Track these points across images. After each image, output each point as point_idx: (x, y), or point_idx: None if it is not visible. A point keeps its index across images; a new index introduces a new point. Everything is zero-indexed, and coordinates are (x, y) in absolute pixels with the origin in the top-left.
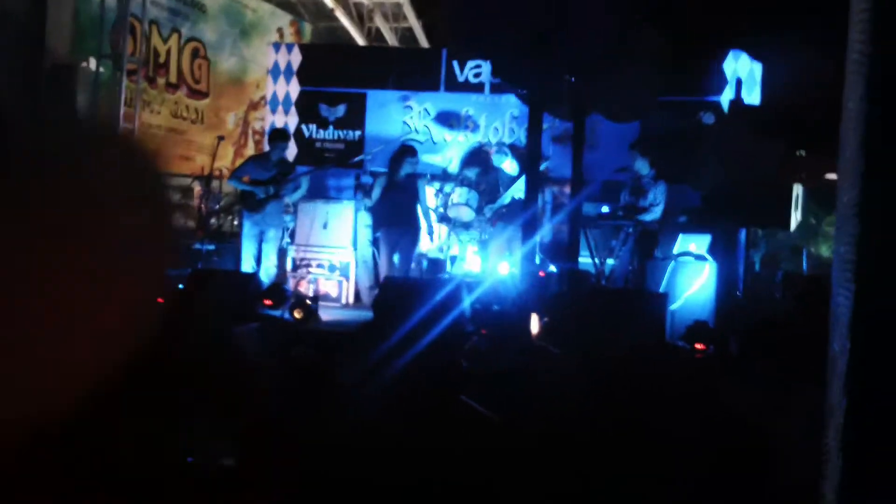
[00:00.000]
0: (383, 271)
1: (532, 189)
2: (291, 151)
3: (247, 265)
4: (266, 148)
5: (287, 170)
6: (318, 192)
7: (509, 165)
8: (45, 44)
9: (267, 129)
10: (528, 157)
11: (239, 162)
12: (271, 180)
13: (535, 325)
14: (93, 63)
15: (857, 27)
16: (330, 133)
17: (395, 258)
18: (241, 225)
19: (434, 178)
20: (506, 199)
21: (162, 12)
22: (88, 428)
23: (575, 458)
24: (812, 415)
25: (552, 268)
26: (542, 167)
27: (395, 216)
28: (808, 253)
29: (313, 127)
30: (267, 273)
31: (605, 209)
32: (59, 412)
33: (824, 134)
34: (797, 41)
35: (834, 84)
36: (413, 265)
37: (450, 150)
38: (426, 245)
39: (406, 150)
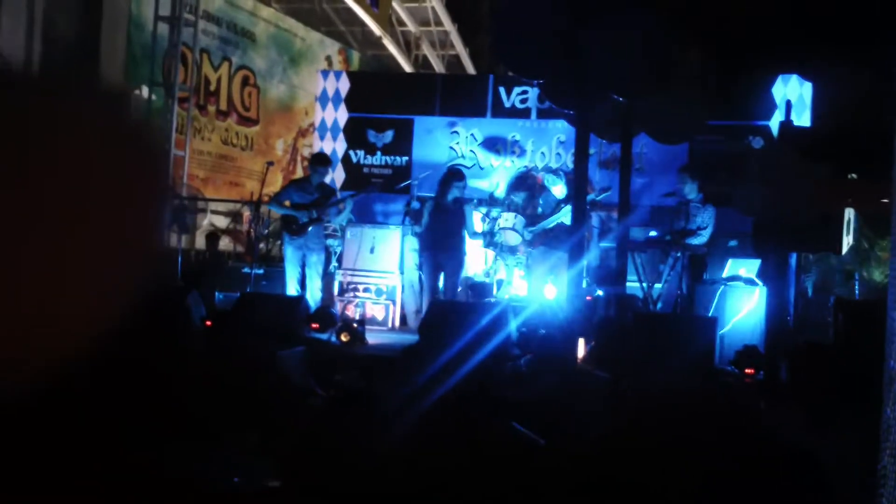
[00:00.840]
0: (428, 295)
1: (579, 212)
2: (339, 176)
3: (291, 289)
4: (309, 172)
5: (328, 193)
6: (366, 218)
7: (560, 190)
8: (98, 71)
9: None
10: (575, 179)
11: (271, 189)
12: (312, 204)
13: (581, 349)
14: (145, 91)
15: None
16: (378, 159)
17: (441, 282)
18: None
19: (481, 202)
20: (549, 223)
21: (213, 41)
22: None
23: (619, 486)
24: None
25: (599, 292)
26: (600, 197)
27: (441, 240)
28: (861, 277)
29: (361, 153)
30: (313, 298)
31: (652, 233)
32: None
33: (877, 157)
34: (849, 61)
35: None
36: (459, 289)
37: (496, 175)
38: (473, 269)
39: (453, 175)
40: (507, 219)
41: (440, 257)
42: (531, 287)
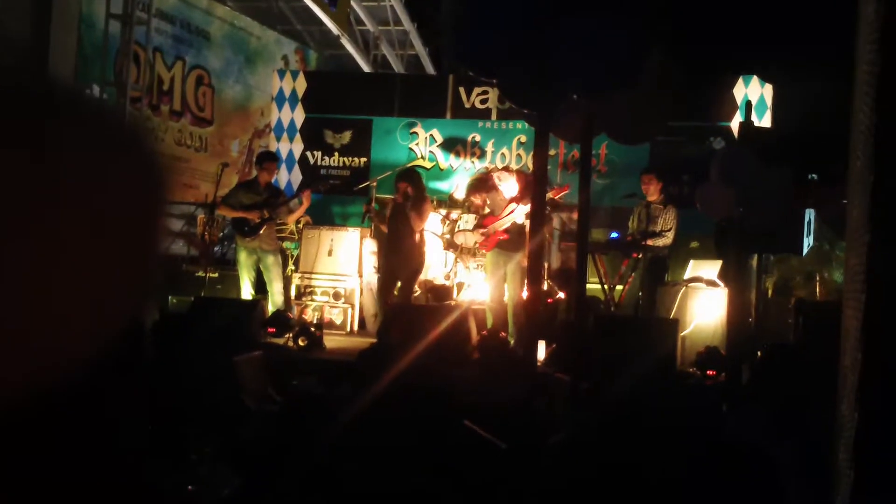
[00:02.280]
0: (384, 298)
1: (538, 214)
2: (297, 178)
3: (245, 294)
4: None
5: (277, 193)
6: (323, 219)
7: (511, 188)
8: (48, 71)
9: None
10: (535, 181)
11: (225, 191)
12: (263, 204)
13: (542, 352)
14: (96, 90)
15: (867, 48)
16: (335, 160)
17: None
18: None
19: (440, 204)
20: (502, 224)
21: (166, 40)
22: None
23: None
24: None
25: (560, 294)
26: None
27: (396, 242)
28: (822, 279)
29: (319, 154)
30: (274, 302)
31: (614, 235)
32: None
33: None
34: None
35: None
36: (418, 292)
37: (456, 176)
38: (433, 272)
39: (407, 175)
40: (467, 221)
41: (396, 260)
42: (490, 290)
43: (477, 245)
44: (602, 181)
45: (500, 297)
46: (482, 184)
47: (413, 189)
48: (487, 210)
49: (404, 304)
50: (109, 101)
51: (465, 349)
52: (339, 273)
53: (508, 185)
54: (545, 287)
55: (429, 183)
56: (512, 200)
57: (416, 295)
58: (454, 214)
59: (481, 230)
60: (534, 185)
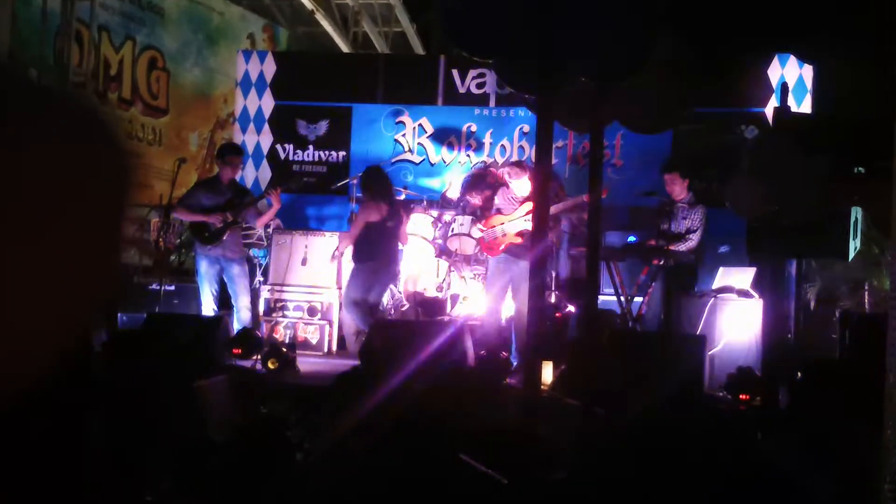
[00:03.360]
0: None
1: (542, 215)
2: (265, 175)
3: (206, 309)
4: (218, 169)
5: (242, 192)
6: (296, 223)
7: (524, 185)
8: None
9: None
10: (537, 176)
11: (183, 190)
12: (226, 206)
13: (548, 374)
14: (34, 75)
15: None
16: (310, 154)
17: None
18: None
19: (431, 205)
20: (515, 225)
21: (113, 17)
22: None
23: None
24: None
25: (570, 308)
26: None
27: (368, 248)
28: (871, 287)
29: (290, 147)
30: (240, 318)
31: (632, 239)
32: None
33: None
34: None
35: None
36: (406, 306)
37: (450, 172)
38: (423, 283)
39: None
40: (462, 224)
41: (368, 269)
42: (489, 300)
43: (478, 247)
44: (617, 176)
45: (497, 309)
46: (480, 180)
47: (364, 191)
48: (495, 207)
49: (390, 321)
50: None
51: (461, 372)
52: (314, 285)
53: (520, 184)
54: (552, 299)
55: (418, 180)
56: (527, 199)
57: (404, 309)
58: (447, 216)
59: (483, 228)
60: (535, 182)
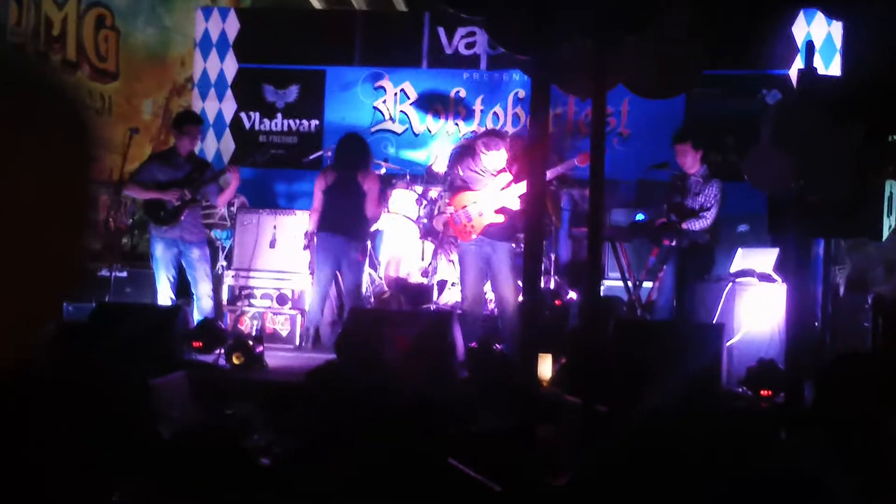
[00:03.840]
0: (321, 292)
1: (537, 191)
2: (227, 147)
3: (163, 297)
4: (174, 140)
5: (202, 166)
6: (264, 201)
7: (499, 156)
8: None
9: None
10: (530, 146)
11: (135, 165)
12: (184, 181)
13: (546, 368)
14: None
15: None
16: (279, 123)
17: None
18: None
19: (415, 179)
20: (490, 203)
21: None
22: None
23: None
24: None
25: (572, 294)
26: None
27: (336, 221)
28: None
29: (256, 115)
30: (200, 308)
31: (640, 217)
32: None
33: None
34: None
35: None
36: (387, 293)
37: (436, 143)
38: (407, 267)
39: (350, 140)
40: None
41: (335, 243)
42: (466, 289)
43: (449, 233)
44: (624, 147)
45: (480, 295)
46: (469, 151)
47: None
48: (459, 182)
49: (369, 310)
50: None
51: (450, 366)
52: (284, 270)
53: (496, 157)
54: (552, 286)
55: (400, 152)
56: (504, 172)
57: (385, 297)
58: (433, 193)
59: (449, 212)
60: (531, 152)
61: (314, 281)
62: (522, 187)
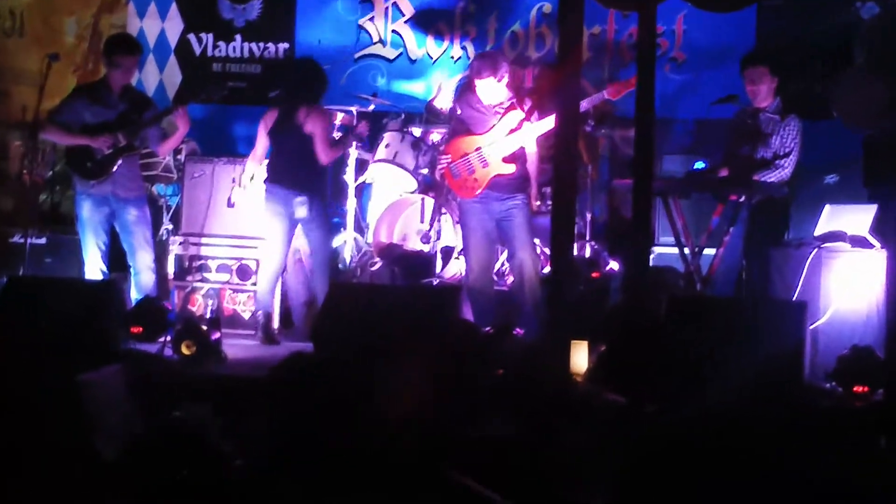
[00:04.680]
0: (272, 265)
1: (568, 132)
2: (172, 79)
3: (92, 270)
4: (106, 71)
5: (142, 104)
6: (220, 147)
7: (495, 90)
8: None
9: None
10: (563, 76)
11: (56, 101)
12: (118, 123)
13: (581, 358)
14: None
15: None
16: (237, 47)
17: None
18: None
19: (412, 119)
20: (497, 149)
21: None
22: None
23: None
24: None
25: (613, 264)
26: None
27: (282, 169)
28: None
29: (209, 38)
30: (140, 284)
31: (699, 165)
32: None
33: None
34: None
35: None
36: (378, 264)
37: (438, 72)
38: (403, 229)
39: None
40: None
41: (291, 198)
42: (471, 257)
43: (447, 188)
44: (679, 76)
45: (491, 264)
46: (470, 85)
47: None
48: (457, 124)
49: (354, 286)
50: None
51: (458, 355)
52: (247, 236)
53: (488, 87)
54: (587, 253)
55: (393, 84)
56: (512, 109)
57: (375, 269)
58: (435, 136)
59: (445, 162)
60: (559, 82)
61: (296, 248)
62: (541, 126)
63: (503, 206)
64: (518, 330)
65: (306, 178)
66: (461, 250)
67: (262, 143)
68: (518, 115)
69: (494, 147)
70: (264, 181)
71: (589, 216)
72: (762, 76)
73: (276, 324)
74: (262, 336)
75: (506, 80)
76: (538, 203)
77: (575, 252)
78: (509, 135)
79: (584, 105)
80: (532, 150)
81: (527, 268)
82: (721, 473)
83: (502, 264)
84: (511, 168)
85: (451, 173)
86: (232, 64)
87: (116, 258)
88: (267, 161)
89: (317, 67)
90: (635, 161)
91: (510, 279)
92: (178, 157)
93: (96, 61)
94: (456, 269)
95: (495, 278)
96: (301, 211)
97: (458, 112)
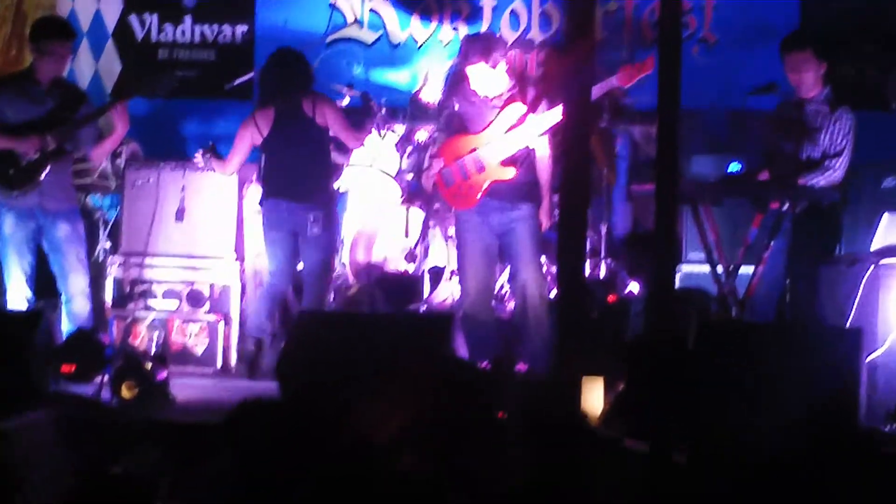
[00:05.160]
0: (271, 287)
1: (578, 127)
2: (109, 67)
3: (15, 296)
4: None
5: (74, 99)
6: (166, 149)
7: (493, 80)
8: None
9: None
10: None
11: None
12: (47, 122)
13: (596, 398)
14: None
15: None
16: (187, 31)
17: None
18: None
19: (394, 114)
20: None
21: None
22: None
23: None
24: None
25: (633, 285)
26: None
27: (286, 179)
28: None
29: (153, 20)
30: (72, 312)
31: (735, 167)
32: None
33: None
34: None
35: None
36: (355, 289)
37: (425, 59)
38: (384, 247)
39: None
40: None
41: (288, 214)
42: (468, 277)
43: (438, 197)
44: (709, 60)
45: (489, 288)
46: (462, 73)
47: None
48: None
49: (327, 314)
50: None
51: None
52: (200, 255)
53: (480, 75)
54: (602, 272)
55: (371, 72)
56: (512, 101)
57: (351, 293)
58: (422, 134)
59: (437, 168)
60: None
61: (258, 270)
62: (545, 120)
63: (505, 217)
64: (521, 365)
65: (316, 187)
66: (454, 270)
67: (242, 151)
68: (519, 108)
69: (492, 147)
70: (261, 200)
71: (604, 229)
72: (805, 62)
73: (232, 358)
74: (246, 369)
75: (502, 66)
76: (550, 219)
77: (588, 271)
78: (509, 132)
79: (597, 90)
80: (544, 153)
81: (531, 291)
82: None
83: (502, 286)
84: (511, 172)
85: (442, 179)
86: (181, 50)
87: (44, 283)
88: (258, 173)
89: (300, 55)
90: (658, 162)
91: (512, 304)
92: (118, 161)
93: (20, 48)
94: (447, 292)
95: (495, 303)
96: (316, 228)
97: (454, 106)
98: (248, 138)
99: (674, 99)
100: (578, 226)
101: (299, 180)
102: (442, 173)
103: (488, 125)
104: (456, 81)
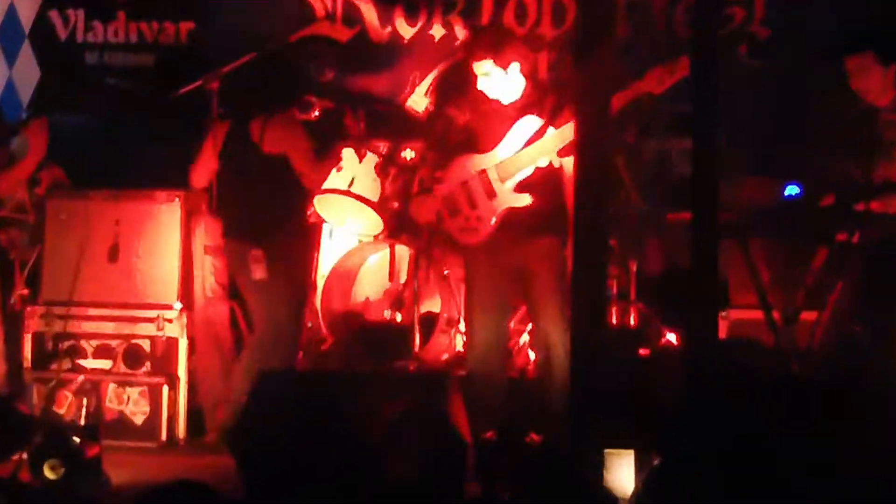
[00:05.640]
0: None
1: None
2: (26, 77)
3: None
4: None
5: None
6: (95, 174)
7: (504, 85)
8: None
9: None
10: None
11: None
12: None
13: (625, 475)
14: None
15: None
16: (121, 30)
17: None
18: None
19: (375, 128)
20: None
21: None
22: None
23: None
24: None
25: (669, 337)
26: None
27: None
28: None
29: (79, 15)
30: None
31: (792, 191)
32: None
33: None
34: None
35: None
36: (331, 341)
37: (411, 59)
38: (364, 294)
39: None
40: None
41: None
42: (476, 328)
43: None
44: (759, 60)
45: (498, 343)
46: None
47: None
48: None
49: (293, 373)
50: None
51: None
52: (137, 303)
53: (488, 77)
54: (631, 320)
55: (345, 78)
56: (530, 114)
57: (324, 348)
58: (408, 153)
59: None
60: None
61: (212, 319)
62: (565, 134)
63: (522, 254)
64: (533, 435)
65: (263, 222)
66: (450, 318)
67: (207, 165)
68: (534, 121)
69: (504, 168)
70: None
71: (633, 267)
72: (868, 67)
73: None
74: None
75: (516, 67)
76: None
77: (614, 319)
78: (524, 149)
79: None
80: (571, 174)
81: (555, 342)
82: None
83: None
84: (527, 199)
85: (446, 208)
86: (113, 52)
87: None
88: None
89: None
90: (693, 185)
91: (526, 360)
92: (36, 190)
93: None
94: (442, 346)
95: (508, 359)
96: (259, 270)
97: (454, 118)
98: (210, 150)
99: (711, 108)
100: (596, 263)
101: (242, 214)
102: (446, 200)
103: (499, 140)
104: (456, 85)
